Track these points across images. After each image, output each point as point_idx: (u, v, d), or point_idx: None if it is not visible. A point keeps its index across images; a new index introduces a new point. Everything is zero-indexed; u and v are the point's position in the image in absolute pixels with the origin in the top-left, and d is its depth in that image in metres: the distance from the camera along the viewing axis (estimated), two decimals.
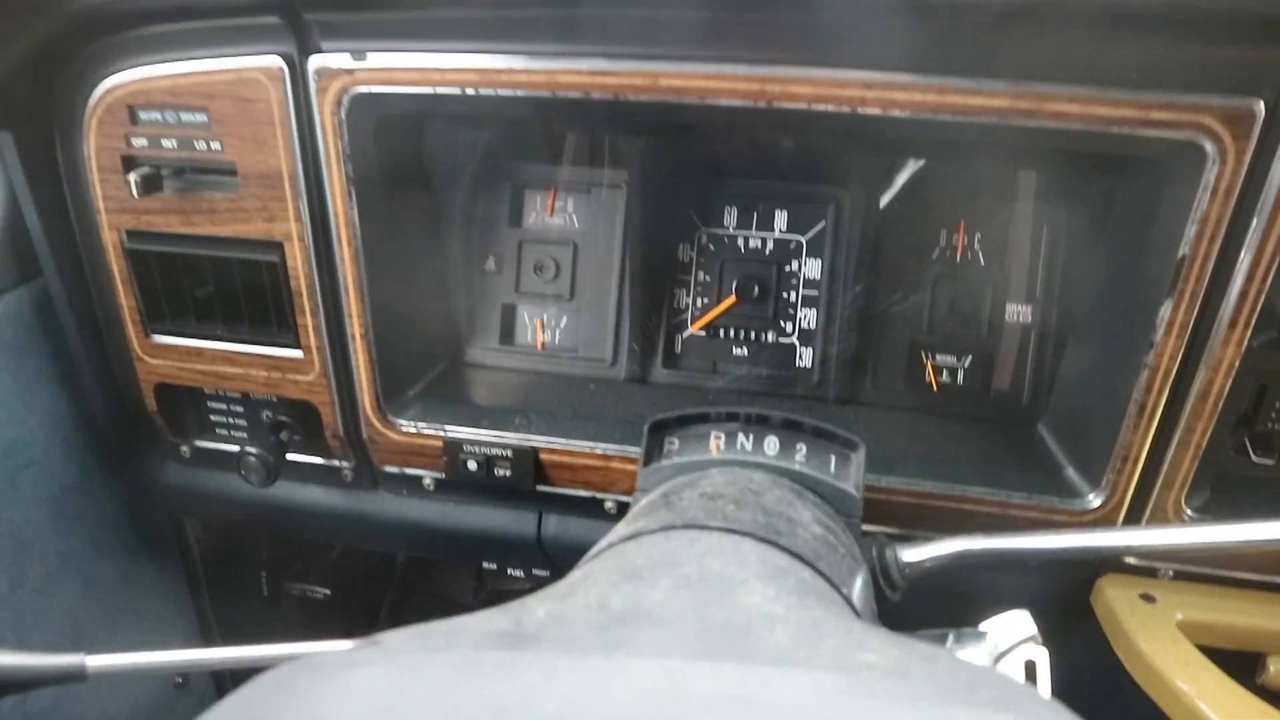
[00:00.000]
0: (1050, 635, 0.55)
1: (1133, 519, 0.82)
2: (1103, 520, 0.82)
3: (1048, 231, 0.95)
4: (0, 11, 0.77)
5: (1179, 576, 0.85)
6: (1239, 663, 0.79)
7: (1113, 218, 0.85)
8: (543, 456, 0.91)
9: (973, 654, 0.52)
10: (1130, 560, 0.86)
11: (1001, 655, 0.51)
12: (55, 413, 1.01)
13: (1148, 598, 0.84)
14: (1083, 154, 0.77)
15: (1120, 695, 0.78)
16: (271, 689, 0.35)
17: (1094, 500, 0.82)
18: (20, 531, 0.97)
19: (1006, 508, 0.83)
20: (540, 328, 1.07)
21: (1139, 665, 0.78)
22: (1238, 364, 0.73)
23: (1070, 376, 0.91)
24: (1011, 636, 0.52)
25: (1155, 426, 0.77)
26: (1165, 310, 0.73)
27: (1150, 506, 0.81)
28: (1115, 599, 0.84)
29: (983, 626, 0.54)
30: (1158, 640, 0.78)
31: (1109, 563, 0.86)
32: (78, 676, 0.61)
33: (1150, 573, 0.86)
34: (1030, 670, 0.51)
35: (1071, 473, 0.86)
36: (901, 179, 0.96)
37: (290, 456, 0.99)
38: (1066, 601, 0.88)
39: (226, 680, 1.31)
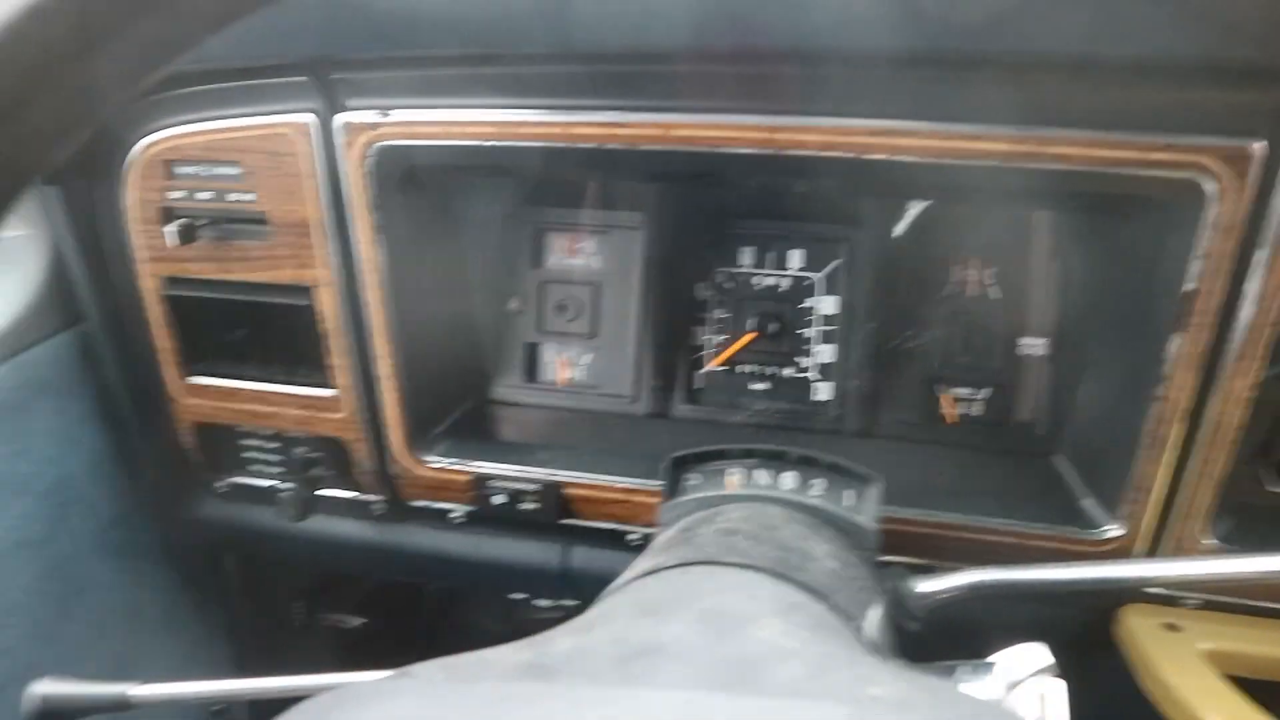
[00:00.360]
0: (1071, 667, 0.55)
1: (1153, 549, 0.82)
2: (1121, 551, 0.82)
3: (1059, 266, 0.96)
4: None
5: (1204, 605, 0.85)
6: (1269, 693, 0.78)
7: (1121, 253, 0.86)
8: (567, 491, 0.93)
9: (985, 686, 0.53)
10: (1153, 590, 0.86)
11: (1015, 687, 0.52)
12: (99, 451, 1.05)
13: (1172, 627, 0.83)
14: (1087, 194, 0.78)
15: None
16: (311, 718, 0.37)
17: (1112, 531, 0.82)
18: (67, 565, 1.01)
19: (1025, 538, 0.84)
20: (563, 365, 1.09)
21: (1164, 696, 0.77)
22: (1252, 395, 0.73)
23: (1086, 408, 0.92)
24: (1026, 668, 0.53)
25: (1171, 458, 0.78)
26: (1175, 344, 0.74)
27: (1170, 537, 0.82)
28: (1138, 629, 0.83)
29: (996, 658, 0.55)
30: (1183, 670, 0.77)
31: (1130, 592, 0.86)
32: (121, 706, 0.64)
33: (1174, 601, 0.86)
34: (1044, 703, 0.51)
35: (1089, 503, 0.86)
36: (913, 218, 0.98)
37: (322, 492, 1.02)
38: (1087, 632, 0.88)
39: (262, 710, 1.33)
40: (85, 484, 1.03)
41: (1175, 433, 0.76)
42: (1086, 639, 0.88)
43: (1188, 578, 0.71)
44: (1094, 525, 0.84)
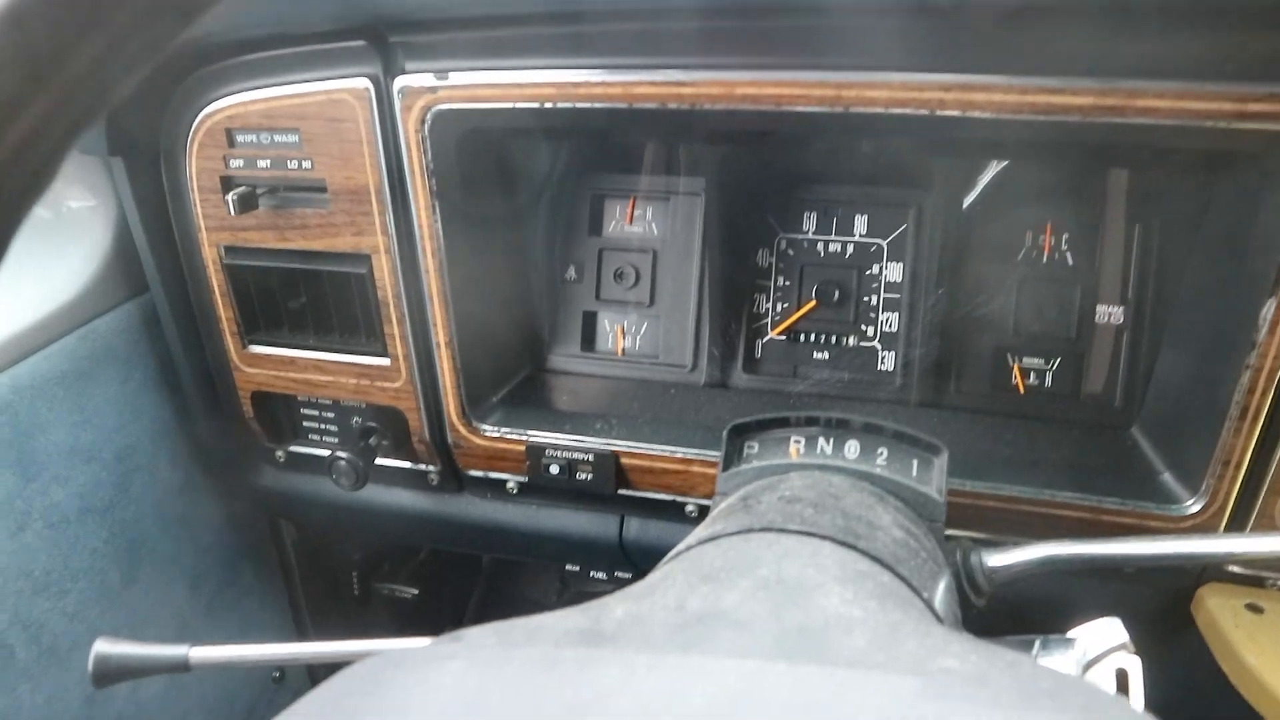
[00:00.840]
0: (1147, 645, 0.53)
1: (1236, 525, 0.79)
2: (1202, 527, 0.79)
3: (1139, 230, 0.92)
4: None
5: None
6: None
7: (1209, 215, 0.81)
8: (624, 461, 0.92)
9: (1060, 661, 0.50)
10: (1234, 569, 0.82)
11: (1091, 663, 0.50)
12: (161, 420, 1.07)
13: (1254, 608, 0.80)
14: (1175, 150, 0.74)
15: (1223, 709, 0.75)
16: (359, 680, 0.36)
17: (1193, 506, 0.79)
18: (130, 531, 1.03)
19: (1098, 513, 0.80)
20: (621, 334, 1.08)
21: (1244, 678, 0.74)
22: None
23: (1166, 379, 0.88)
24: (1101, 644, 0.51)
25: (1260, 429, 0.74)
26: (1268, 309, 0.70)
27: (1255, 513, 0.78)
28: (1218, 609, 0.80)
29: (1071, 634, 0.52)
30: (1265, 653, 0.74)
31: (1211, 571, 0.83)
32: (182, 667, 0.65)
33: (1257, 582, 0.82)
34: (1121, 679, 0.49)
35: (1168, 478, 0.82)
36: (984, 180, 0.94)
37: (379, 461, 1.02)
38: (1165, 610, 0.85)
39: (320, 674, 1.35)
40: (148, 452, 1.05)
41: (1266, 402, 0.72)
42: (1164, 618, 0.85)
43: (1274, 555, 0.67)
44: (1173, 500, 0.80)
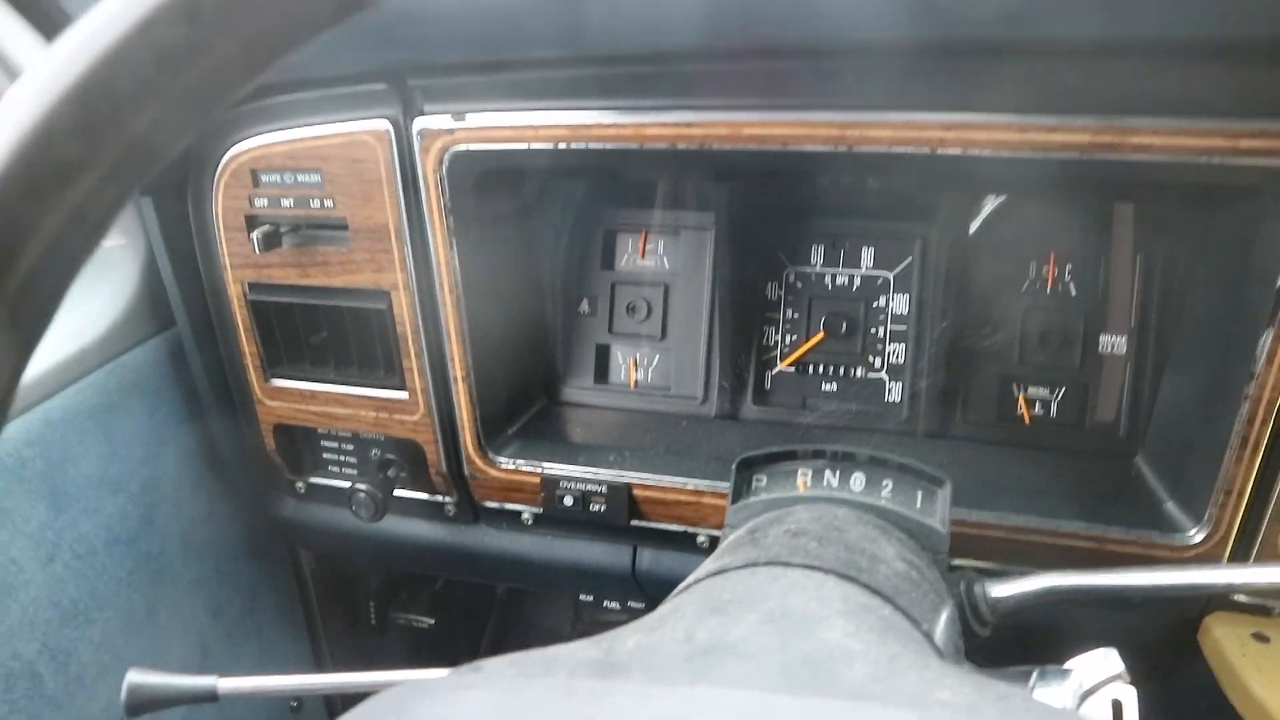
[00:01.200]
0: (1154, 675, 0.54)
1: (1240, 554, 0.80)
2: (1207, 556, 0.80)
3: (1141, 261, 0.93)
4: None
5: None
6: None
7: (1209, 245, 0.83)
8: (636, 492, 0.94)
9: (1057, 692, 0.51)
10: (1240, 598, 0.82)
11: (1087, 694, 0.51)
12: (186, 451, 1.09)
13: (1261, 637, 0.80)
14: (1172, 185, 0.76)
15: None
16: (384, 710, 0.38)
17: (1196, 535, 0.79)
18: (155, 561, 1.05)
19: (1102, 542, 0.81)
20: (633, 367, 1.10)
21: (1252, 709, 0.74)
22: None
23: (1168, 408, 0.89)
24: (1098, 675, 0.52)
25: (1260, 459, 0.75)
26: (1266, 340, 0.71)
27: (1260, 541, 0.78)
28: (1224, 638, 0.80)
29: (1069, 664, 0.53)
30: (1272, 683, 0.75)
31: (1217, 600, 0.83)
32: (210, 697, 0.67)
33: (1264, 611, 0.82)
34: (1117, 710, 0.50)
35: (1171, 506, 0.83)
36: (988, 213, 0.96)
37: (397, 492, 1.04)
38: (1171, 640, 0.85)
39: (337, 703, 1.37)
40: (173, 484, 1.08)
41: (1266, 433, 0.74)
42: (1170, 647, 0.85)
43: (1277, 586, 0.68)
44: (1177, 529, 0.81)
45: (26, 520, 0.89)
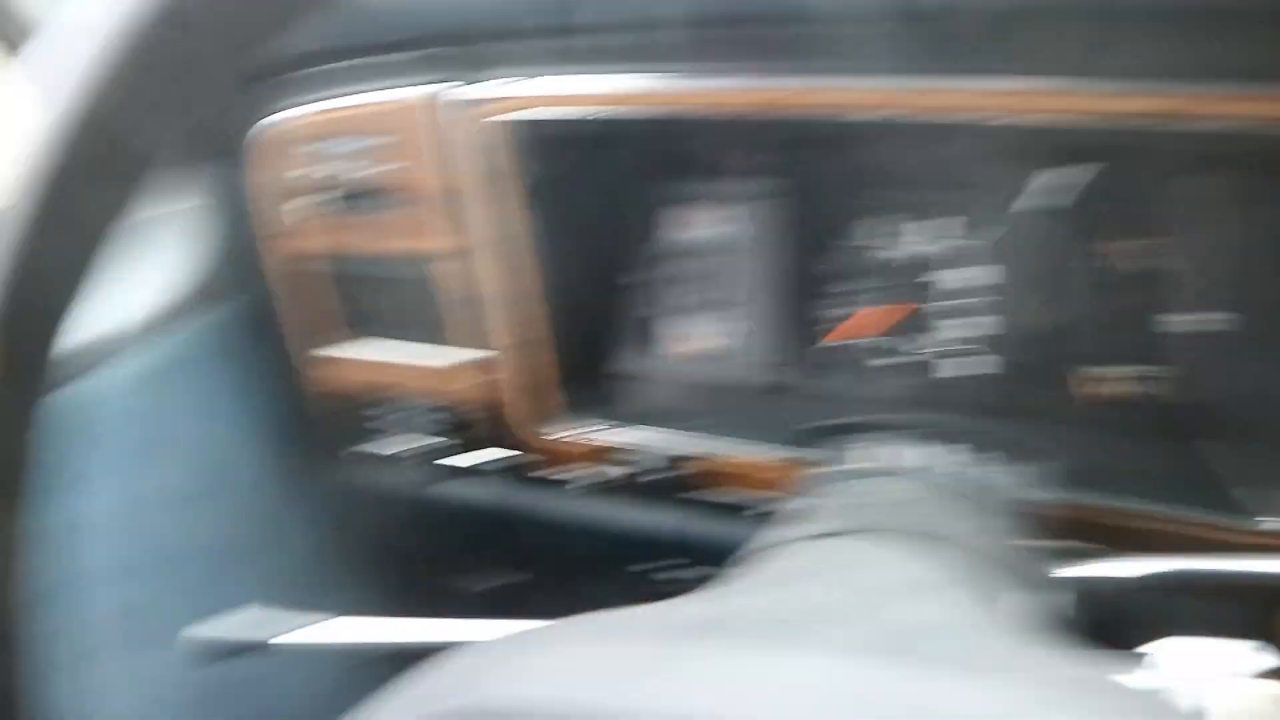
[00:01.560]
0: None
1: None
2: None
3: (1222, 234, 0.89)
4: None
5: None
6: None
7: None
8: (691, 462, 0.93)
9: (1145, 679, 0.50)
10: None
11: (1177, 683, 0.50)
12: (245, 420, 1.11)
13: None
14: (1247, 154, 0.72)
15: None
16: (454, 667, 0.38)
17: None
18: (220, 523, 1.07)
19: (1181, 526, 0.78)
20: (687, 337, 1.09)
21: None
22: None
23: (1253, 386, 0.85)
24: (1189, 664, 0.50)
25: None
26: None
27: None
28: None
29: (1152, 650, 0.52)
30: None
31: None
32: (273, 650, 0.69)
33: None
34: (1207, 701, 0.48)
35: (1256, 490, 0.80)
36: (1062, 184, 0.93)
37: (453, 459, 1.04)
38: (1250, 630, 0.83)
39: (397, 663, 1.39)
40: (232, 450, 1.09)
41: None
42: (1249, 638, 0.82)
43: None
44: (1262, 514, 0.78)
45: (100, 477, 0.90)
